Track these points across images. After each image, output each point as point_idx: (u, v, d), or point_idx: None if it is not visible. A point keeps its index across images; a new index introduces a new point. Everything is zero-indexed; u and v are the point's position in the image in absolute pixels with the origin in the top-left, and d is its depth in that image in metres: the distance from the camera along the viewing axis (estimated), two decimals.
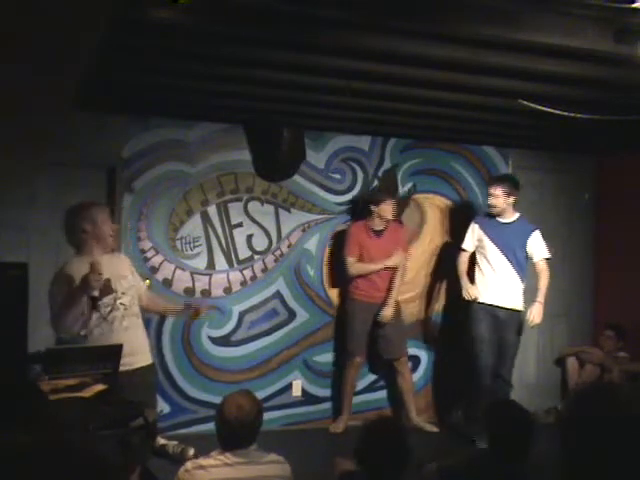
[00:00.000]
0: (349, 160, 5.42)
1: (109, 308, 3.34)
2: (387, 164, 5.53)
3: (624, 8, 2.46)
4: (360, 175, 5.45)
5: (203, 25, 2.79)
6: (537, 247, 5.08)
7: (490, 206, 5.09)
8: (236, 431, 2.62)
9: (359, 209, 5.32)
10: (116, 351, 2.84)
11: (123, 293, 3.40)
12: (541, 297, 5.00)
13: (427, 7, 2.59)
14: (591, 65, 3.08)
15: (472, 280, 5.14)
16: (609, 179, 5.99)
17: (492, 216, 5.13)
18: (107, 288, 3.33)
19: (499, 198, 5.03)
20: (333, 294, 5.39)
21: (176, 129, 4.96)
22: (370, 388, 5.52)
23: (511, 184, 5.07)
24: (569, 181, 6.04)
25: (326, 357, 5.39)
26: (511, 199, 5.05)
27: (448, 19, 2.64)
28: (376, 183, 5.46)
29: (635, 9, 2.46)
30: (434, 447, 4.58)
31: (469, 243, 5.22)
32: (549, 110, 3.81)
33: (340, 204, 5.38)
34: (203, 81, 3.84)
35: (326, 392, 5.39)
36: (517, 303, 5.05)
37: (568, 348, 5.76)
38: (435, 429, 5.24)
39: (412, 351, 5.57)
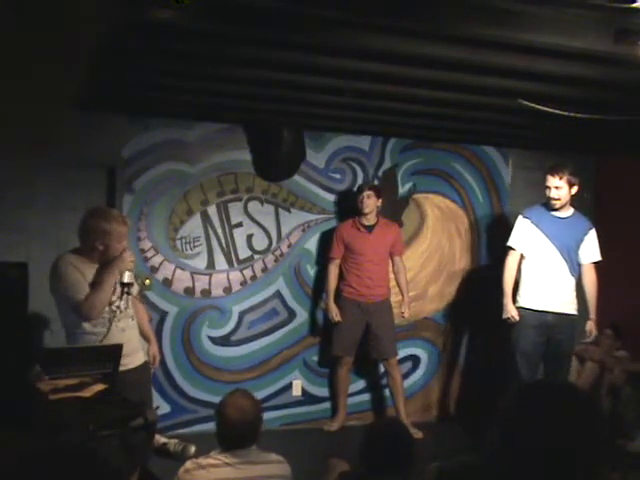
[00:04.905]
0: (349, 160, 5.43)
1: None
2: (387, 164, 5.53)
3: (624, 8, 2.46)
4: (360, 175, 5.45)
5: (203, 25, 2.79)
6: (591, 248, 4.53)
7: (552, 199, 4.40)
8: (239, 433, 2.63)
9: (348, 208, 5.29)
10: (116, 351, 2.84)
11: (119, 297, 3.39)
12: (593, 312, 4.54)
13: (427, 7, 2.59)
14: (591, 65, 3.08)
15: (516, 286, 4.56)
16: (609, 179, 5.98)
17: (547, 209, 4.50)
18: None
19: (562, 189, 4.34)
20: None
21: (176, 129, 4.97)
22: (367, 389, 5.53)
23: (573, 171, 4.39)
24: None
25: (326, 357, 5.39)
26: (574, 190, 4.40)
27: (448, 19, 2.64)
28: (376, 183, 5.46)
29: (635, 9, 2.46)
30: (434, 448, 4.57)
31: (519, 241, 4.54)
32: (549, 110, 3.81)
33: (340, 204, 5.39)
34: (203, 81, 3.84)
35: (326, 392, 5.39)
36: (572, 308, 4.52)
37: None
38: (420, 435, 4.82)
39: (412, 351, 5.58)
